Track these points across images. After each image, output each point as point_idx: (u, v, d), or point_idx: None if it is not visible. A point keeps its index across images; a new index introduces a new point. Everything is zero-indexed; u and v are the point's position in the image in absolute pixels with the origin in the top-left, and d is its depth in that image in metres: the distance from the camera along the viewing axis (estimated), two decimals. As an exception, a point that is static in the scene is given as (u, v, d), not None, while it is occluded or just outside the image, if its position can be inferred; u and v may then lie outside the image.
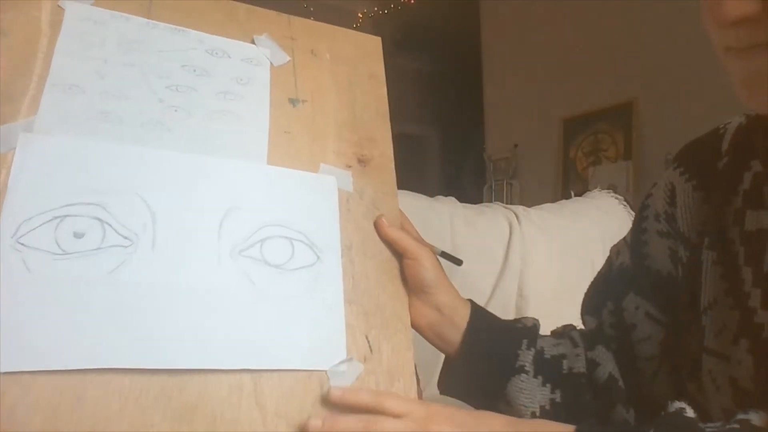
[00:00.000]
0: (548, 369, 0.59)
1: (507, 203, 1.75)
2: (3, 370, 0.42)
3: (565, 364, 0.60)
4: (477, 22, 3.97)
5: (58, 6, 0.56)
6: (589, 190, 1.74)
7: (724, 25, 0.37)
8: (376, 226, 0.61)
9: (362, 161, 0.63)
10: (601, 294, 0.64)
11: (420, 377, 0.60)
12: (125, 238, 0.49)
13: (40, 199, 0.48)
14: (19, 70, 0.52)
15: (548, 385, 0.58)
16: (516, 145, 3.53)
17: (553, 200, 1.51)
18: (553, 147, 3.23)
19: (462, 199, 1.25)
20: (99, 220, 0.49)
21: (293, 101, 0.63)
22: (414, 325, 0.60)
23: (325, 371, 0.52)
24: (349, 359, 0.53)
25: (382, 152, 0.65)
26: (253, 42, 0.64)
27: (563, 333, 0.64)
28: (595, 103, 2.99)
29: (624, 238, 0.65)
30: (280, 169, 0.59)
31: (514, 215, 1.19)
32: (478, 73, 3.97)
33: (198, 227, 0.52)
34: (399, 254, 0.61)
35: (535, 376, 0.59)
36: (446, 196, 1.25)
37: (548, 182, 3.27)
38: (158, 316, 0.48)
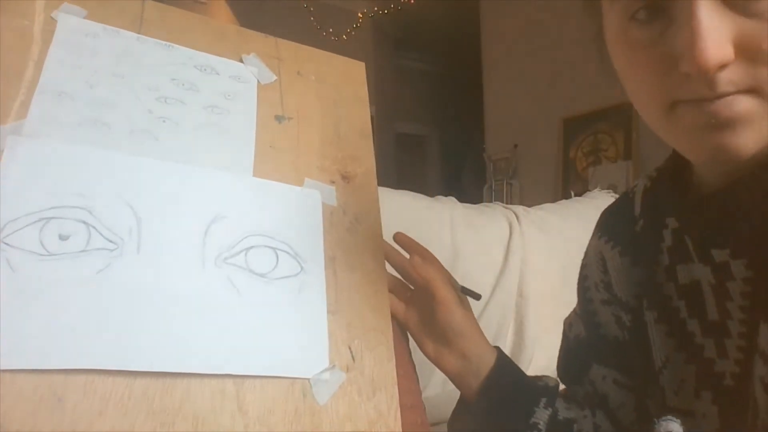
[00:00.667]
0: (560, 430, 0.59)
1: (507, 203, 1.75)
2: (-18, 369, 0.41)
3: (575, 427, 0.59)
4: (477, 22, 3.95)
5: (51, 17, 0.58)
6: (589, 190, 1.73)
7: (706, 72, 0.36)
8: (412, 264, 0.61)
9: (346, 177, 0.65)
10: (574, 363, 0.64)
11: (420, 377, 0.60)
12: (110, 241, 0.49)
13: (26, 200, 0.48)
14: (9, 75, 0.53)
15: None
16: (516, 145, 3.52)
17: (553, 200, 1.50)
18: (553, 147, 3.21)
19: (462, 199, 1.24)
20: (85, 223, 0.49)
21: (279, 118, 0.65)
22: (442, 370, 0.61)
23: (308, 379, 0.52)
24: (332, 367, 0.53)
25: (366, 170, 0.67)
26: (241, 60, 0.66)
27: (570, 397, 0.63)
28: (595, 103, 2.97)
29: (574, 310, 0.67)
30: (266, 181, 0.60)
31: (514, 215, 1.18)
32: (478, 73, 3.96)
33: (183, 234, 0.53)
34: (381, 267, 0.62)
35: None
36: (446, 196, 1.25)
37: (548, 182, 3.25)
38: (142, 319, 0.47)
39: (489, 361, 0.61)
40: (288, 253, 0.57)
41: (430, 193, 1.23)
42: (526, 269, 1.08)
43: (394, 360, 0.57)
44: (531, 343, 1.03)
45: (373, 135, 0.68)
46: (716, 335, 0.47)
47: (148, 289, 0.49)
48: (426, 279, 0.61)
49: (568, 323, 0.67)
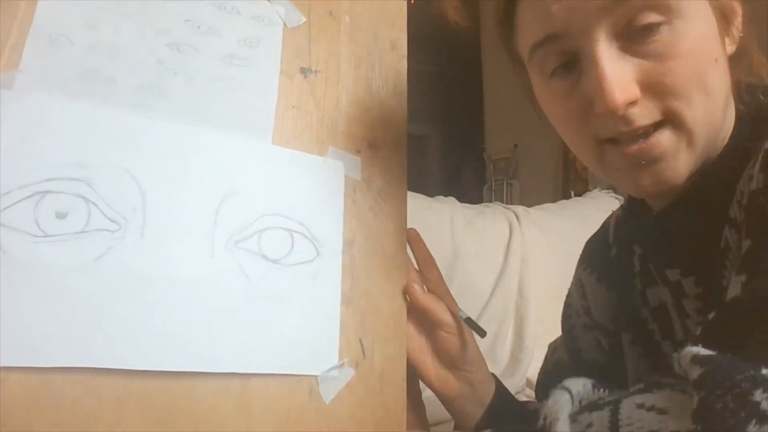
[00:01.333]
0: None
1: (507, 203, 1.75)
2: (-27, 365, 0.39)
3: None
4: (477, 21, 3.81)
5: (46, -66, 0.49)
6: (589, 191, 1.76)
7: (616, 110, 0.40)
8: (408, 293, 0.57)
9: (373, 146, 0.59)
10: (553, 384, 0.63)
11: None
12: (112, 221, 0.45)
13: (19, 170, 0.43)
14: (-2, 12, 0.45)
15: None
16: (516, 145, 3.47)
17: (553, 200, 1.51)
18: (553, 147, 3.16)
19: (462, 199, 1.23)
20: (84, 198, 0.44)
21: (305, 71, 0.57)
22: (441, 397, 0.59)
23: (316, 376, 0.50)
24: (341, 364, 0.51)
25: (395, 138, 0.60)
26: (266, -3, 0.57)
27: None
28: (595, 104, 2.94)
29: (560, 338, 0.69)
30: (285, 151, 0.54)
31: (514, 215, 1.17)
32: (478, 73, 3.91)
33: (193, 213, 0.48)
34: (403, 252, 0.58)
35: None
36: (446, 196, 1.23)
37: (548, 182, 3.22)
38: (143, 312, 0.44)
39: (490, 389, 0.60)
40: (304, 235, 0.52)
41: (430, 193, 1.21)
42: (526, 269, 1.07)
43: (405, 356, 0.55)
44: (531, 343, 1.03)
45: None
46: None
47: (152, 278, 0.45)
48: (425, 307, 0.57)
49: (553, 348, 0.70)
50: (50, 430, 0.40)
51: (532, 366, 1.07)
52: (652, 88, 0.41)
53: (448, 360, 0.57)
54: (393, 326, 0.55)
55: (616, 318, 0.58)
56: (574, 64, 0.43)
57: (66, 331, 0.42)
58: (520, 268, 1.08)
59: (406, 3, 0.66)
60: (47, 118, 0.45)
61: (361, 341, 0.53)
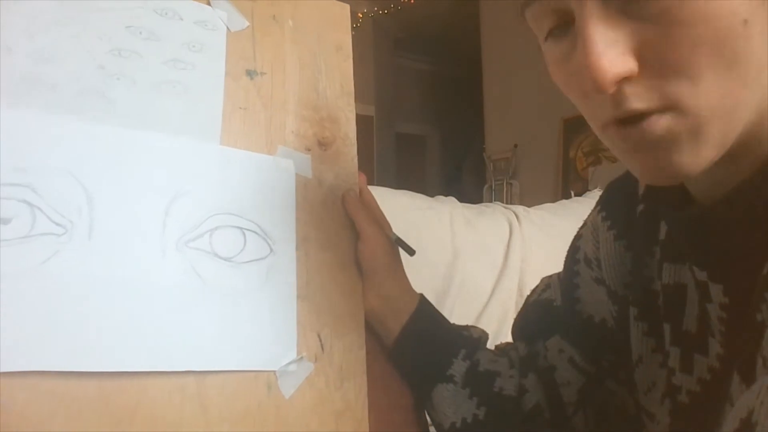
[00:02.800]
0: (479, 383, 0.57)
1: (507, 203, 1.75)
2: None
3: (498, 382, 0.58)
4: (477, 22, 3.93)
5: (-20, -55, 0.49)
6: (590, 190, 1.73)
7: (603, 89, 0.33)
8: (343, 199, 0.58)
9: (323, 144, 0.60)
10: (533, 325, 0.62)
11: None
12: (58, 225, 0.45)
13: (-42, 177, 0.42)
14: (-68, 21, 0.45)
15: (475, 398, 0.57)
16: (516, 145, 3.49)
17: (553, 200, 1.50)
18: (553, 147, 3.19)
19: (462, 199, 1.23)
20: (27, 203, 0.44)
21: (250, 73, 0.58)
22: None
23: (274, 371, 0.50)
24: (300, 358, 0.51)
25: (345, 135, 0.62)
26: (208, 3, 0.58)
27: (504, 351, 0.62)
28: (595, 104, 3.00)
29: (557, 275, 0.63)
30: (234, 151, 0.54)
31: (514, 215, 1.17)
32: (478, 73, 3.94)
33: (141, 214, 0.48)
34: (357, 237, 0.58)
35: (463, 387, 0.57)
36: (446, 196, 1.23)
37: (548, 182, 3.24)
38: (94, 314, 0.44)
39: (410, 305, 0.59)
40: (256, 233, 0.53)
41: (430, 193, 1.21)
42: (527, 269, 1.07)
43: (364, 347, 0.55)
44: (531, 342, 1.03)
45: (373, 135, 0.62)
46: (685, 346, 0.44)
47: (101, 281, 0.45)
48: (352, 215, 0.59)
49: (545, 284, 0.64)
50: (-1, 436, 0.39)
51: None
52: (652, 63, 0.33)
53: (363, 270, 0.58)
54: (350, 320, 0.55)
55: (628, 285, 0.52)
56: (567, 27, 0.36)
57: (15, 336, 0.41)
58: (520, 267, 1.07)
59: (349, 7, 0.68)
60: (-13, 125, 0.45)
61: (319, 335, 0.53)
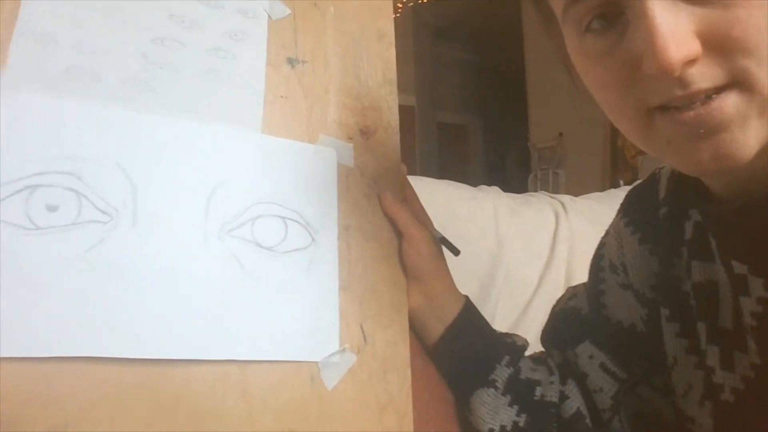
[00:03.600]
0: (520, 391, 0.56)
1: (553, 193, 1.70)
2: (-33, 358, 0.38)
3: (539, 390, 0.57)
4: (518, 8, 3.86)
5: (29, -63, 0.49)
6: (639, 179, 1.67)
7: (671, 71, 0.32)
8: (380, 200, 0.57)
9: (365, 133, 0.59)
10: (562, 333, 0.61)
11: None
12: (104, 213, 0.45)
13: (8, 165, 0.43)
14: (-17, 12, 0.46)
15: (516, 406, 0.55)
16: (561, 134, 3.39)
17: (601, 190, 1.44)
18: (600, 135, 3.07)
19: (506, 189, 1.20)
20: (74, 191, 0.44)
21: (292, 61, 0.57)
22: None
23: (317, 362, 0.49)
24: (342, 350, 0.50)
25: (387, 124, 0.60)
26: (250, -9, 0.57)
27: (541, 359, 0.61)
28: (645, 88, 2.87)
29: (583, 284, 0.62)
30: (276, 140, 0.54)
31: (560, 205, 1.13)
32: (520, 61, 3.86)
33: (183, 203, 0.48)
34: (400, 236, 0.57)
35: (503, 394, 0.55)
36: (489, 186, 1.20)
37: (596, 171, 3.12)
38: (137, 302, 0.44)
39: (454, 307, 0.58)
40: (298, 222, 0.52)
41: (473, 183, 1.18)
42: (574, 260, 1.03)
43: (408, 340, 0.54)
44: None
45: (414, 125, 0.61)
46: (724, 344, 0.44)
47: (144, 268, 0.45)
48: (392, 216, 0.57)
49: (571, 293, 0.63)
50: (47, 420, 0.39)
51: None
52: (716, 42, 0.33)
53: (408, 271, 0.57)
54: (393, 311, 0.54)
55: (656, 288, 0.52)
56: (614, 17, 0.36)
57: (61, 322, 0.41)
58: (567, 258, 1.04)
59: (390, -7, 0.66)
60: (34, 115, 0.45)
61: (361, 327, 0.52)
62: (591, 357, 0.56)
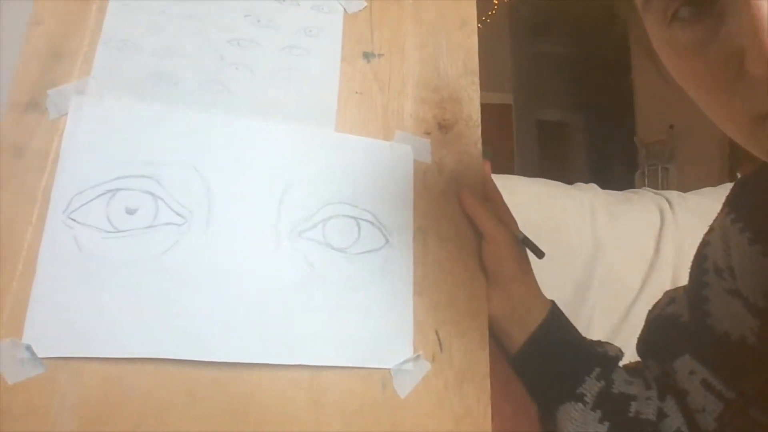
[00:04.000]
0: (612, 406, 0.50)
1: (663, 190, 1.57)
2: (52, 355, 0.40)
3: (633, 406, 0.50)
4: None
5: (114, -52, 0.51)
6: None
7: None
8: (459, 198, 0.54)
9: (444, 127, 0.56)
10: (659, 344, 0.54)
11: None
12: (178, 215, 0.46)
13: (91, 170, 0.45)
14: (72, 25, 0.48)
15: (606, 423, 0.50)
16: (672, 126, 3.13)
17: (718, 185, 1.30)
18: (715, 126, 2.83)
19: (612, 187, 1.11)
20: (152, 194, 0.45)
21: (368, 55, 0.55)
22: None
23: (389, 369, 0.47)
24: (416, 357, 0.48)
25: (467, 116, 0.57)
26: (325, -15, 0.56)
27: (637, 371, 0.54)
28: None
29: (683, 287, 0.55)
30: (349, 137, 0.52)
31: (666, 201, 1.03)
32: (625, 52, 3.62)
33: (256, 204, 0.48)
34: (479, 236, 0.54)
35: (593, 409, 0.50)
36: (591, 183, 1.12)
37: (712, 165, 2.83)
38: (209, 304, 0.44)
39: (538, 314, 0.53)
40: (371, 223, 0.50)
41: (576, 182, 1.09)
42: (682, 262, 0.92)
43: (487, 348, 0.51)
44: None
45: (512, 123, 0.57)
46: None
47: (216, 271, 0.45)
48: (472, 215, 0.53)
49: (669, 297, 0.56)
50: (122, 421, 0.41)
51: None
52: None
53: (488, 273, 0.53)
54: (471, 318, 0.51)
55: None
56: (709, 2, 0.31)
57: (138, 323, 0.42)
58: (674, 260, 0.94)
59: (474, -23, 0.62)
60: (117, 120, 0.47)
61: (437, 333, 0.49)
62: (692, 373, 0.49)
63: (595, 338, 0.55)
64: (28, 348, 0.40)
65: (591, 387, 0.51)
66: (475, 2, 0.61)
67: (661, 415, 0.50)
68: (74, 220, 0.43)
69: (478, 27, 0.59)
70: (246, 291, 0.45)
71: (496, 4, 3.72)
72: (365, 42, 0.56)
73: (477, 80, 0.58)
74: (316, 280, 0.47)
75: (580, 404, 0.50)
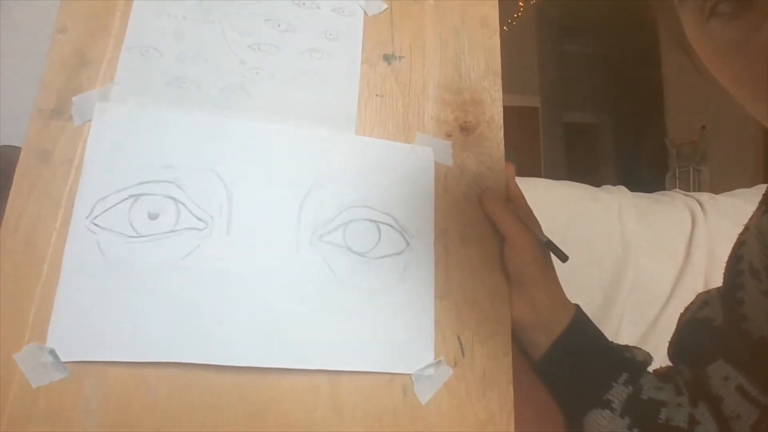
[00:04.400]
0: (641, 413, 0.49)
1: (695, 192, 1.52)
2: (76, 359, 0.41)
3: (664, 413, 0.49)
4: None
5: (137, -44, 0.52)
6: None
7: None
8: (481, 200, 0.53)
9: (465, 129, 0.55)
10: (691, 348, 0.52)
11: None
12: (200, 219, 0.46)
13: (114, 175, 0.45)
14: (96, 32, 0.49)
15: (636, 430, 0.48)
16: (704, 127, 3.06)
17: (752, 186, 1.26)
18: (750, 126, 2.73)
19: (642, 190, 1.09)
20: (173, 199, 0.46)
21: (388, 58, 0.55)
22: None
23: (410, 375, 0.46)
24: (438, 362, 0.47)
25: (490, 118, 0.56)
26: (345, -12, 0.56)
27: (668, 376, 0.53)
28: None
29: (717, 289, 0.53)
30: (370, 140, 0.52)
31: (697, 204, 1.00)
32: (654, 52, 3.54)
33: (276, 208, 0.48)
34: (502, 240, 0.53)
35: (621, 416, 0.49)
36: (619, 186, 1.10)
37: (746, 166, 2.75)
38: (231, 309, 0.44)
39: (563, 318, 0.52)
40: (392, 226, 0.50)
41: (605, 185, 1.07)
42: (714, 266, 0.89)
43: (510, 353, 0.50)
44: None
45: (539, 126, 0.56)
46: None
47: (237, 276, 0.45)
48: (493, 217, 0.52)
49: (702, 300, 0.54)
50: (143, 424, 0.41)
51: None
52: None
53: (510, 277, 0.52)
54: (495, 322, 0.50)
55: None
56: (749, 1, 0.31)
57: (159, 328, 0.43)
58: (705, 265, 0.91)
59: (495, -23, 0.62)
60: (140, 126, 0.47)
61: (459, 338, 0.49)
62: (726, 378, 0.47)
63: (623, 344, 0.54)
64: (52, 352, 0.40)
65: (619, 393, 0.49)
66: (497, 2, 0.61)
67: (693, 421, 0.49)
68: (97, 225, 0.44)
69: (504, 30, 0.58)
70: (266, 295, 0.45)
71: (521, 6, 3.68)
72: (386, 44, 0.55)
73: (500, 81, 0.58)
74: (336, 284, 0.47)
75: (608, 411, 0.49)
